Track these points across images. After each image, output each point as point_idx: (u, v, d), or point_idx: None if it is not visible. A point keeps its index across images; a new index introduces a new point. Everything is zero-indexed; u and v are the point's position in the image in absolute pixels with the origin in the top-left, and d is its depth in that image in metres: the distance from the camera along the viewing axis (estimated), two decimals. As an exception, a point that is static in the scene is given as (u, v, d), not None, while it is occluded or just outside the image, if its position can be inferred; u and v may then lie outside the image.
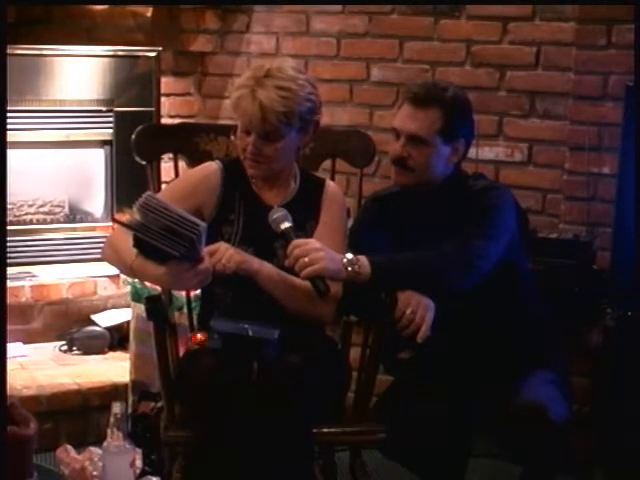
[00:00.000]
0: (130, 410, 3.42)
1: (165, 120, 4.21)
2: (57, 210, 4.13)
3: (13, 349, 3.81)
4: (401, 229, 2.78)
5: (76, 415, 3.63)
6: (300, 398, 2.45)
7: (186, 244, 2.35)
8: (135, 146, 2.90)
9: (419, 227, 2.74)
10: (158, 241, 2.33)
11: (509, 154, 3.77)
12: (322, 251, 2.51)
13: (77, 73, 4.02)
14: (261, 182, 2.72)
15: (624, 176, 3.26)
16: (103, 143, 4.15)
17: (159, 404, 3.24)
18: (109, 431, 2.27)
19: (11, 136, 3.56)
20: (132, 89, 4.10)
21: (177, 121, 4.11)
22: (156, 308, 2.62)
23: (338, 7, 4.03)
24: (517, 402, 2.58)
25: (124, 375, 3.72)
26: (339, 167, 3.04)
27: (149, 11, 4.14)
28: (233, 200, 2.70)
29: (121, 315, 4.04)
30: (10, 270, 3.73)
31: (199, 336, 2.65)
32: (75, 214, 4.17)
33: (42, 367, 3.81)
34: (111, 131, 4.12)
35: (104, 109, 4.10)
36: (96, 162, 4.18)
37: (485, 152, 3.73)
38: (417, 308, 2.56)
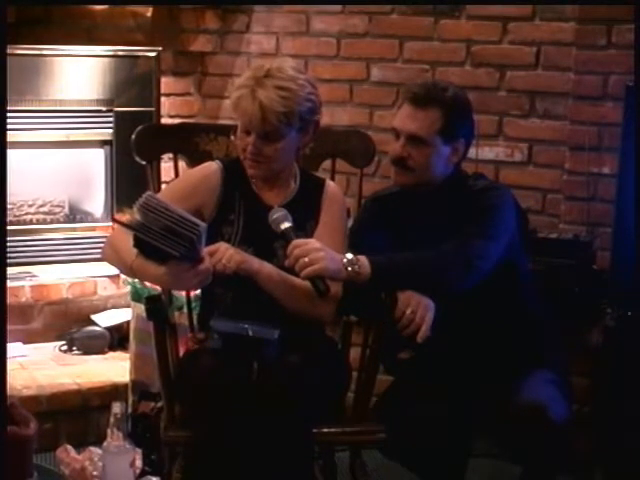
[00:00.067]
0: (130, 410, 3.42)
1: (165, 120, 4.21)
2: (57, 210, 4.13)
3: (13, 349, 3.81)
4: (401, 229, 2.78)
5: (76, 415, 3.63)
6: (300, 398, 2.45)
7: (186, 244, 2.35)
8: (135, 146, 2.90)
9: (419, 227, 2.74)
10: (158, 241, 2.33)
11: (509, 154, 3.77)
12: (322, 251, 2.51)
13: (77, 73, 4.02)
14: (261, 182, 2.72)
15: (624, 176, 3.26)
16: (103, 143, 4.15)
17: (159, 404, 3.24)
18: (109, 431, 2.27)
19: (11, 136, 3.56)
20: (132, 89, 4.10)
21: (177, 121, 4.11)
22: (156, 308, 2.62)
23: (338, 7, 4.03)
24: (517, 402, 2.58)
25: (124, 375, 3.72)
26: (339, 167, 3.04)
27: (149, 11, 4.14)
28: (233, 200, 2.70)
29: (121, 315, 4.04)
30: (10, 270, 3.73)
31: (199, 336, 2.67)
32: (75, 214, 4.17)
33: (42, 367, 3.81)
34: (111, 131, 4.12)
35: (104, 109, 4.10)
36: (96, 162, 4.17)
37: (485, 152, 3.73)
38: (417, 308, 2.56)
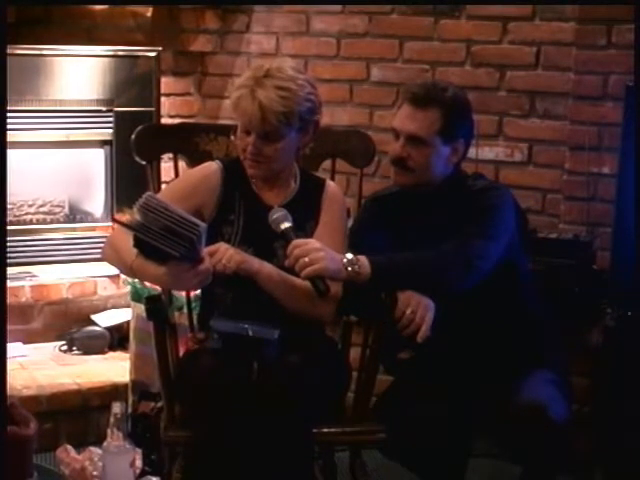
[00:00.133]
0: (130, 410, 3.42)
1: (165, 120, 4.21)
2: (57, 210, 4.13)
3: (13, 349, 3.80)
4: (401, 229, 2.78)
5: (76, 415, 3.63)
6: (300, 398, 2.45)
7: (186, 244, 2.35)
8: (135, 146, 2.90)
9: (419, 227, 2.74)
10: (158, 241, 2.33)
11: (509, 154, 3.77)
12: (322, 251, 2.51)
13: (77, 73, 4.02)
14: (261, 182, 2.72)
15: (624, 176, 3.25)
16: (103, 143, 4.15)
17: (159, 404, 3.24)
18: (109, 431, 2.27)
19: (11, 136, 3.56)
20: (132, 89, 4.10)
21: (177, 121, 4.11)
22: (156, 308, 2.62)
23: (338, 7, 4.03)
24: (517, 402, 2.58)
25: (124, 375, 3.72)
26: (339, 167, 3.04)
27: (149, 11, 4.14)
28: (233, 200, 2.70)
29: (121, 315, 4.04)
30: (10, 270, 3.73)
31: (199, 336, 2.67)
32: (75, 214, 4.17)
33: (42, 367, 3.81)
34: (111, 131, 4.12)
35: (104, 109, 4.10)
36: (96, 162, 4.17)
37: (485, 152, 3.73)
38: (417, 308, 2.56)
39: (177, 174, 2.95)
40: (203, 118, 4.31)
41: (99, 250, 2.74)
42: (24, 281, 3.95)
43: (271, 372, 2.47)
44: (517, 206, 2.86)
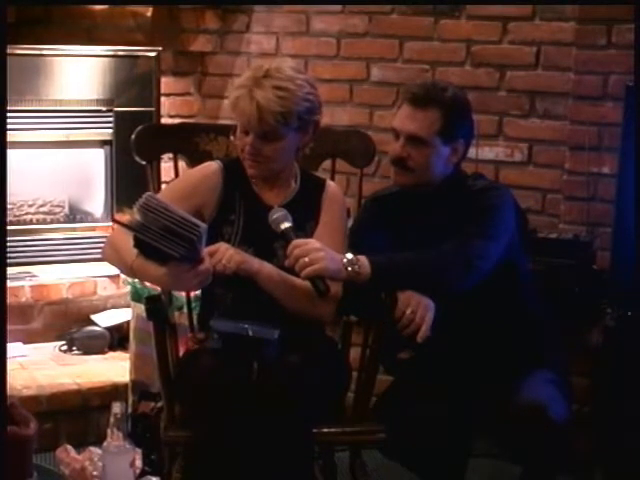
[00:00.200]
0: (130, 410, 3.42)
1: (165, 120, 4.21)
2: (57, 210, 4.13)
3: (13, 349, 3.80)
4: (401, 229, 2.78)
5: (76, 415, 3.63)
6: (300, 398, 2.45)
7: (186, 245, 2.35)
8: (135, 146, 2.90)
9: (419, 227, 2.74)
10: (158, 242, 2.33)
11: (509, 154, 3.77)
12: (322, 251, 2.51)
13: (77, 73, 4.02)
14: (261, 182, 2.72)
15: (624, 176, 3.26)
16: (103, 143, 4.15)
17: (159, 404, 3.24)
18: (109, 431, 2.26)
19: (11, 136, 3.57)
20: (132, 89, 4.10)
21: (177, 121, 4.11)
22: (156, 308, 2.62)
23: (338, 7, 4.03)
24: (517, 402, 2.58)
25: (124, 375, 3.72)
26: (339, 167, 3.04)
27: (149, 11, 4.14)
28: (233, 200, 2.70)
29: (121, 315, 4.04)
30: (10, 270, 3.73)
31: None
32: (75, 214, 4.17)
33: (42, 367, 3.81)
34: (111, 131, 4.12)
35: (104, 109, 4.10)
36: (96, 162, 4.17)
37: (485, 152, 3.73)
38: (417, 308, 2.56)
39: (177, 174, 2.95)
40: (203, 118, 4.31)
41: (99, 250, 2.74)
42: (24, 281, 3.95)
43: (271, 372, 2.47)
44: (517, 206, 2.86)
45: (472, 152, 2.98)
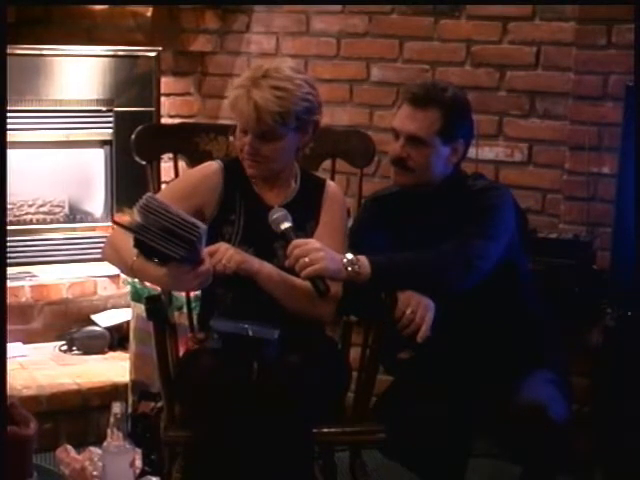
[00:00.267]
0: (130, 410, 3.42)
1: (165, 120, 4.21)
2: (57, 210, 4.13)
3: (13, 349, 3.80)
4: (401, 229, 2.78)
5: (76, 415, 3.63)
6: (300, 398, 2.45)
7: (186, 246, 2.35)
8: (135, 146, 2.90)
9: (419, 227, 2.74)
10: (158, 243, 2.33)
11: (509, 154, 3.77)
12: (322, 251, 2.51)
13: (77, 73, 4.02)
14: (261, 182, 2.72)
15: (624, 176, 3.25)
16: (103, 143, 4.15)
17: (159, 404, 3.24)
18: (109, 431, 2.26)
19: (11, 136, 3.57)
20: (132, 89, 4.10)
21: (177, 121, 4.11)
22: (156, 308, 2.62)
23: (338, 7, 4.03)
24: (517, 402, 2.58)
25: (124, 375, 3.72)
26: (339, 167, 3.04)
27: (149, 11, 4.14)
28: (234, 200, 2.70)
29: (121, 315, 4.04)
30: (10, 270, 3.73)
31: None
32: (75, 214, 4.17)
33: (42, 367, 3.81)
34: (111, 131, 4.12)
35: (104, 109, 4.10)
36: (96, 162, 4.18)
37: (485, 152, 3.73)
38: (417, 308, 2.56)
39: (177, 174, 2.95)
40: (203, 118, 4.31)
41: (99, 250, 2.74)
42: (24, 281, 3.95)
43: (271, 372, 2.47)
44: (517, 206, 2.86)
45: (472, 152, 2.99)
